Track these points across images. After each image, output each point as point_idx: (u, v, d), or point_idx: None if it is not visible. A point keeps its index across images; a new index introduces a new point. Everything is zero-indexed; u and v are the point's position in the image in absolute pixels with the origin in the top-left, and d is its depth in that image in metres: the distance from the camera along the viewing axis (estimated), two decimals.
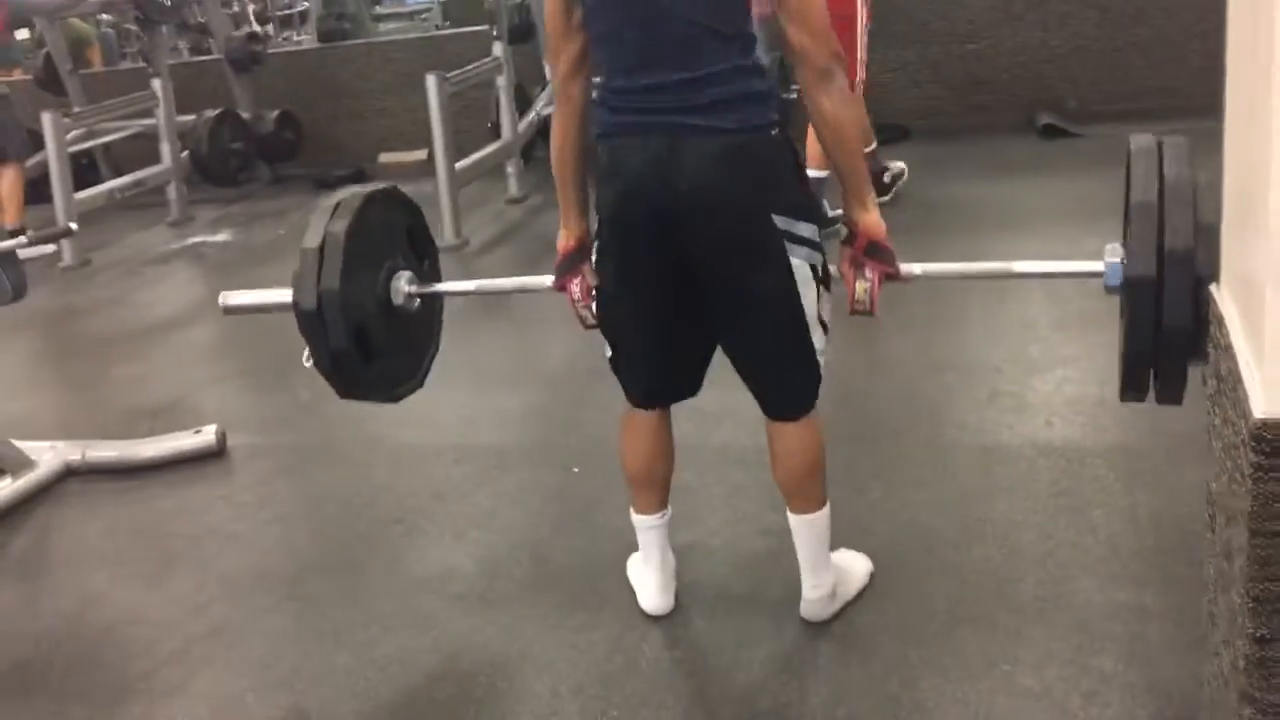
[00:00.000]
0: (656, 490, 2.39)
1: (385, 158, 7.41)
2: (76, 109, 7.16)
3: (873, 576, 2.46)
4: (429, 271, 2.60)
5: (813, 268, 2.10)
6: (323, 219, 2.39)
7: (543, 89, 6.54)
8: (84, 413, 4.09)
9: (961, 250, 4.53)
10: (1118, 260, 1.91)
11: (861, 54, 4.67)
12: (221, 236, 6.69)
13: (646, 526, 2.41)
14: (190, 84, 7.81)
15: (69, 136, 7.18)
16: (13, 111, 6.40)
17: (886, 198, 5.24)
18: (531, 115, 6.43)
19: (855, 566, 2.47)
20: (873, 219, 2.13)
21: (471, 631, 2.49)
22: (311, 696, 2.33)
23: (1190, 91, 5.61)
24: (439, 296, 2.60)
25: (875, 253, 2.13)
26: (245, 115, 7.53)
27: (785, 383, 2.21)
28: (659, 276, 2.13)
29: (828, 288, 2.16)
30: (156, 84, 6.87)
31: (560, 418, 3.55)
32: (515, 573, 2.70)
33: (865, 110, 4.66)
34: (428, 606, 2.60)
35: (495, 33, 6.40)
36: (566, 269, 2.29)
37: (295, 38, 11.09)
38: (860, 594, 2.42)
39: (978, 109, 6.50)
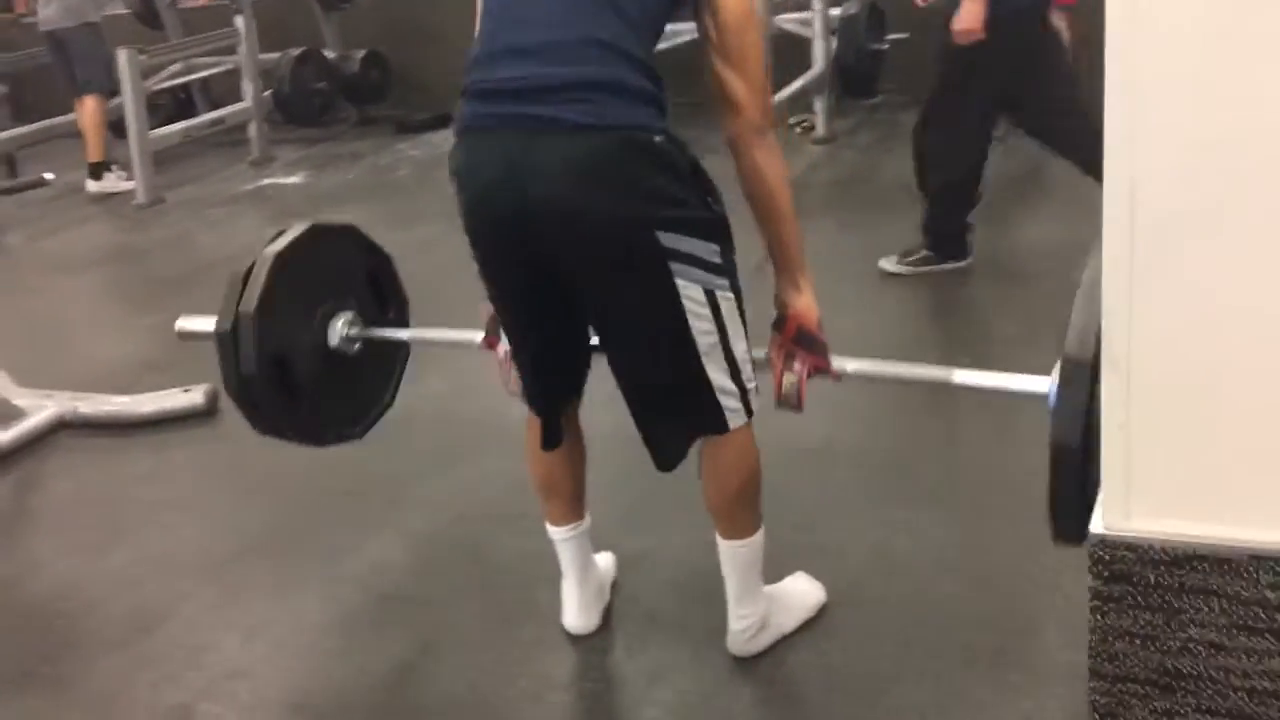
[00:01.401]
0: (563, 500, 2.16)
1: None
2: (163, 45, 7.18)
3: (823, 609, 2.20)
4: (393, 322, 2.43)
5: (709, 294, 1.79)
6: (262, 245, 2.26)
7: None
8: (97, 361, 4.05)
9: (1049, 232, 4.23)
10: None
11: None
12: (295, 179, 6.65)
13: (558, 539, 2.19)
14: (281, 21, 7.78)
15: (167, 71, 7.27)
16: (100, 43, 6.45)
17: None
18: None
19: (800, 597, 2.20)
20: (804, 302, 1.88)
21: (381, 638, 2.31)
22: (204, 696, 2.20)
23: None
24: (395, 346, 2.44)
25: (805, 342, 1.88)
26: (331, 55, 7.45)
27: (661, 420, 1.91)
28: (524, 292, 1.88)
29: (740, 315, 1.85)
30: (239, 21, 6.82)
31: None
32: (448, 573, 2.52)
33: None
34: (349, 604, 2.44)
35: None
36: (494, 327, 2.08)
37: None
38: (801, 627, 2.16)
39: None
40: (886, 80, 6.22)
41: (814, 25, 5.65)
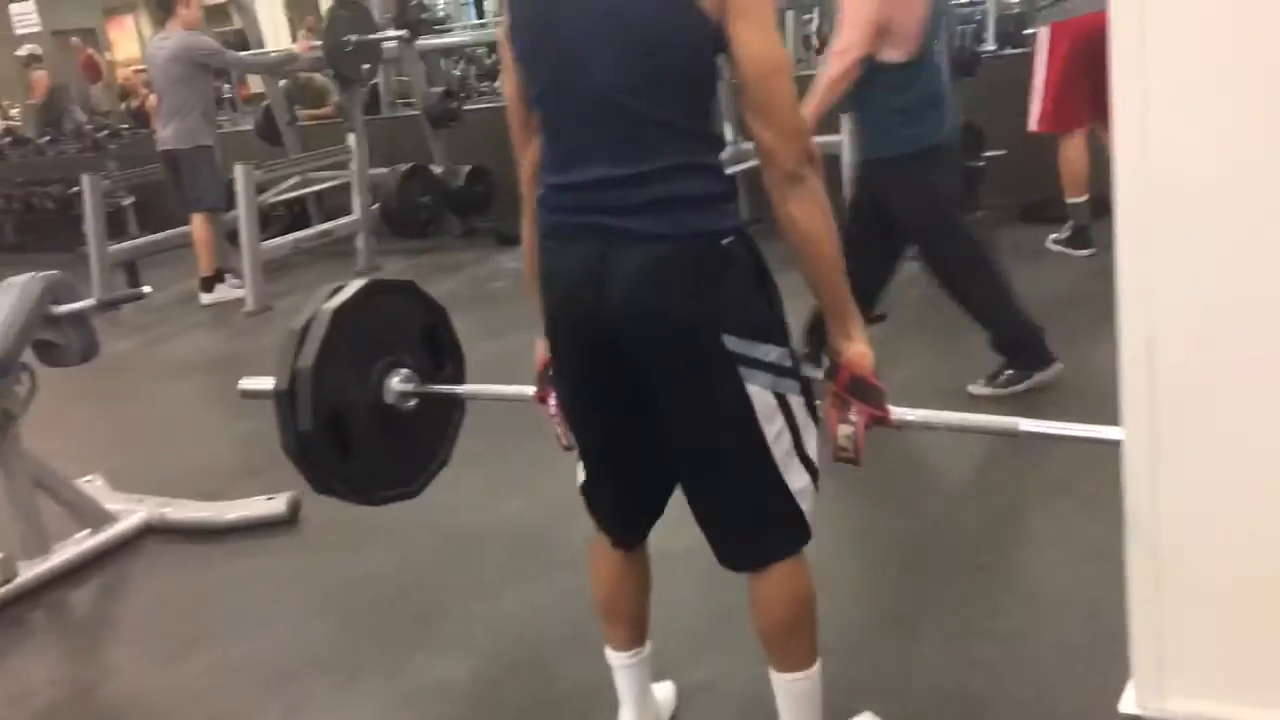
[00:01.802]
0: (624, 625, 2.11)
1: None
2: (280, 160, 7.51)
3: None
4: (448, 378, 2.44)
5: (779, 396, 1.78)
6: (317, 300, 2.30)
7: None
8: (190, 466, 4.16)
9: None
10: None
11: (1035, 100, 5.08)
12: None
13: (616, 665, 2.14)
14: (393, 137, 8.08)
15: (284, 185, 7.60)
16: (213, 164, 6.76)
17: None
18: None
19: None
20: (857, 350, 1.82)
21: None
22: None
23: None
24: (450, 403, 2.44)
25: (860, 391, 1.81)
26: (438, 169, 7.69)
27: (735, 528, 1.88)
28: (603, 396, 1.88)
29: (813, 419, 1.85)
30: (351, 138, 7.11)
31: None
32: (508, 695, 2.48)
33: None
34: None
35: None
36: (546, 381, 2.06)
37: (499, 91, 11.32)
38: None
39: None
40: (986, 195, 6.17)
41: None
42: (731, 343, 1.73)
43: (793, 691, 1.96)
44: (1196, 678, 0.80)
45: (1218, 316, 0.76)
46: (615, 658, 2.13)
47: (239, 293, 6.68)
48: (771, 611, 1.92)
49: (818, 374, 1.86)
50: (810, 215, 1.73)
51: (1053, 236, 5.54)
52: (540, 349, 2.04)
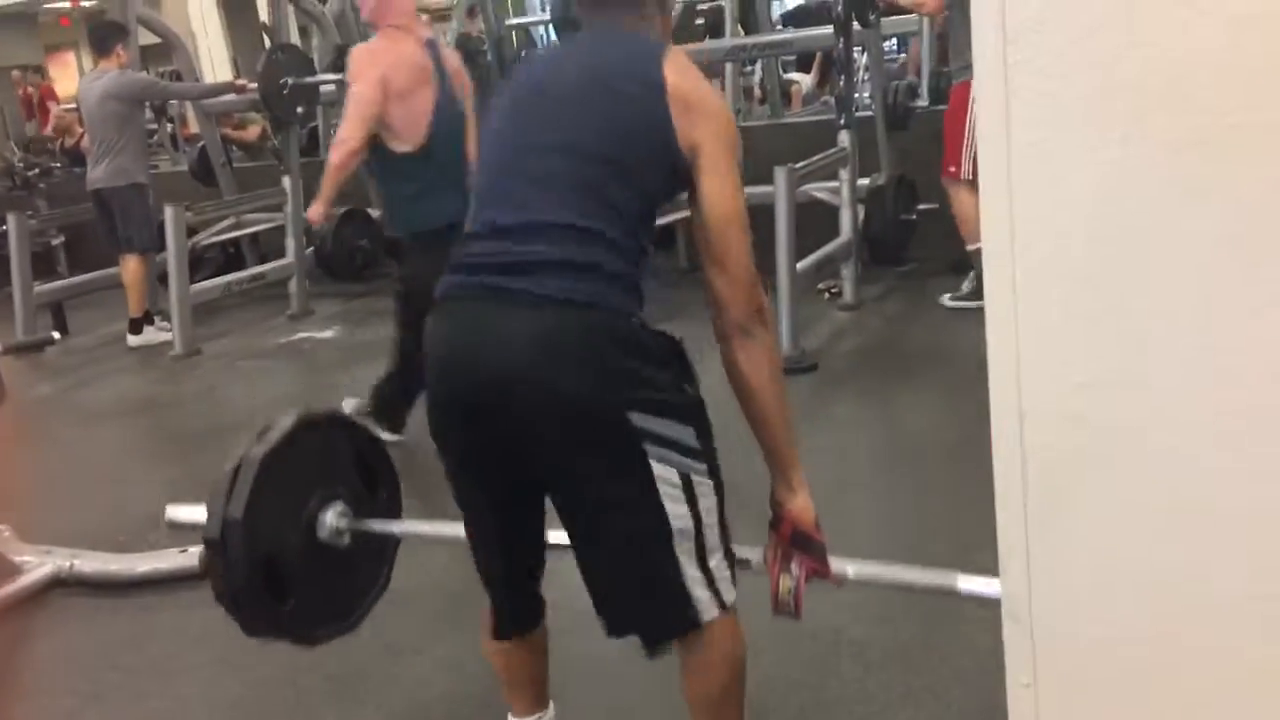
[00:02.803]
0: (523, 690, 2.06)
1: None
2: (212, 202, 7.42)
3: None
4: (385, 504, 2.36)
5: (684, 477, 1.72)
6: (247, 442, 2.20)
7: None
8: (107, 516, 4.04)
9: None
10: None
11: (969, 151, 5.16)
12: (330, 333, 6.73)
13: None
14: None
15: (217, 227, 7.50)
16: (146, 204, 6.65)
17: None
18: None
19: None
20: (799, 504, 1.81)
21: None
22: None
23: None
24: (384, 535, 2.36)
25: (802, 544, 1.81)
26: (374, 213, 7.64)
27: (627, 610, 1.82)
28: (482, 471, 1.82)
29: (718, 503, 1.78)
30: (286, 181, 7.04)
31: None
32: None
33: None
34: None
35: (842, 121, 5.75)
36: None
37: None
38: None
39: None
40: (915, 249, 6.25)
41: (843, 194, 5.70)
42: (638, 419, 1.67)
43: None
44: None
45: (1085, 394, 0.75)
46: None
47: (167, 335, 6.55)
48: (696, 679, 1.87)
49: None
50: (756, 368, 1.74)
51: (947, 296, 5.57)
52: None
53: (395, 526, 2.34)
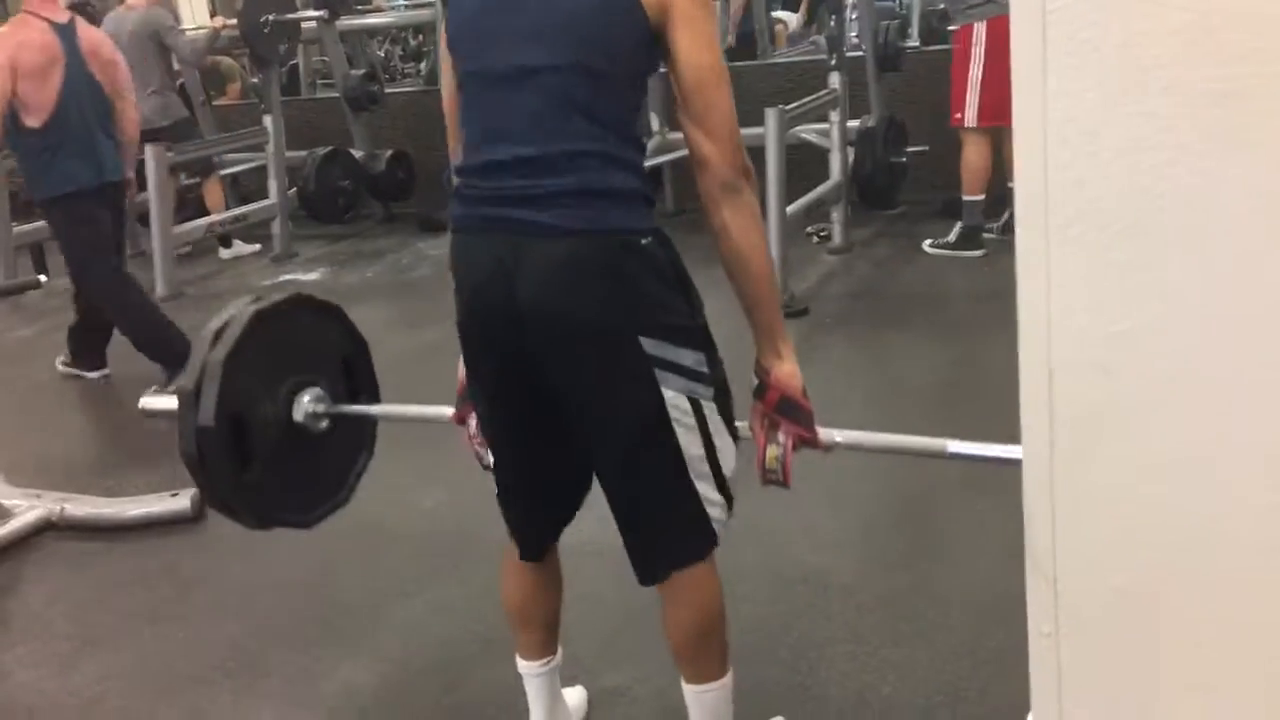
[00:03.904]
0: (535, 633, 2.06)
1: None
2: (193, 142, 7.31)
3: None
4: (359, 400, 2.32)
5: (694, 402, 1.73)
6: (239, 303, 2.20)
7: None
8: (94, 459, 4.03)
9: None
10: None
11: (972, 96, 5.20)
12: (314, 275, 6.68)
13: (527, 674, 2.09)
14: (311, 121, 7.92)
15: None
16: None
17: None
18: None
19: None
20: (786, 370, 1.78)
21: None
22: None
23: None
24: (359, 442, 2.32)
25: (788, 410, 1.78)
26: (358, 153, 7.55)
27: (646, 534, 1.84)
28: (516, 400, 1.82)
29: (729, 429, 1.80)
30: (268, 120, 6.94)
31: None
32: (416, 701, 2.43)
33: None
34: None
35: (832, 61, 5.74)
36: (465, 400, 2.00)
37: (422, 74, 11.12)
38: None
39: None
40: (906, 192, 6.22)
41: (833, 136, 5.65)
42: (649, 345, 1.68)
43: (704, 703, 1.93)
44: (1096, 711, 0.78)
45: (1116, 344, 0.75)
46: (526, 667, 2.08)
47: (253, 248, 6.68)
48: (681, 623, 1.88)
49: None
50: (744, 227, 1.70)
51: (929, 242, 5.58)
52: (461, 368, 1.97)
53: (372, 409, 2.30)
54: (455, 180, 1.80)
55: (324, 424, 2.21)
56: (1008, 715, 2.17)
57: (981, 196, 5.34)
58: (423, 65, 11.65)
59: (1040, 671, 0.81)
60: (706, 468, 1.77)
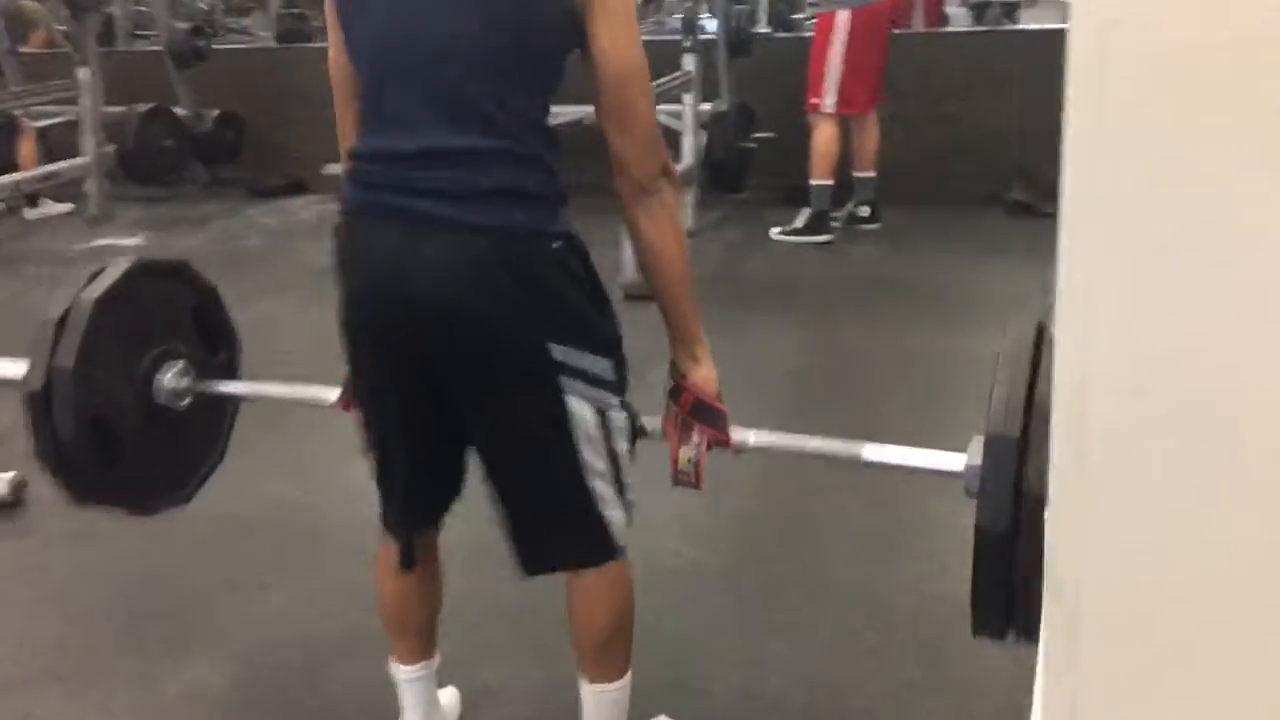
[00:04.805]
0: (413, 637, 1.94)
1: (331, 169, 6.97)
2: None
3: None
4: (223, 366, 2.19)
5: (600, 413, 1.67)
6: (74, 285, 1.99)
7: None
8: None
9: (900, 339, 4.22)
10: (978, 464, 1.50)
11: (832, 83, 5.25)
12: (135, 240, 6.26)
13: (403, 679, 1.97)
14: (131, 75, 7.41)
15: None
16: None
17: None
18: None
19: None
20: (703, 373, 1.75)
21: None
22: None
23: None
24: (222, 398, 2.17)
25: (703, 414, 1.75)
26: (182, 112, 7.12)
27: (534, 532, 1.77)
28: (404, 396, 1.71)
29: (631, 436, 1.74)
30: (83, 73, 6.45)
31: None
32: (272, 703, 2.27)
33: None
34: None
35: None
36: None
37: (250, 30, 10.61)
38: None
39: (943, 177, 6.07)
40: (753, 176, 6.26)
41: (684, 119, 5.62)
42: (558, 352, 1.61)
43: (602, 702, 1.87)
44: None
45: (1152, 368, 0.71)
46: (401, 671, 1.97)
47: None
48: (590, 620, 1.82)
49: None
50: (660, 230, 1.65)
51: (777, 229, 5.63)
52: None
53: (243, 387, 2.17)
54: (347, 164, 1.68)
55: (186, 401, 2.06)
56: (885, 708, 2.19)
57: (831, 182, 5.41)
58: (248, 21, 11.10)
59: (1052, 703, 0.77)
60: (607, 476, 1.72)
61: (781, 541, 2.82)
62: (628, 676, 1.88)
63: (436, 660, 1.99)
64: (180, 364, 2.06)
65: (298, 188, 7.15)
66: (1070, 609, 0.74)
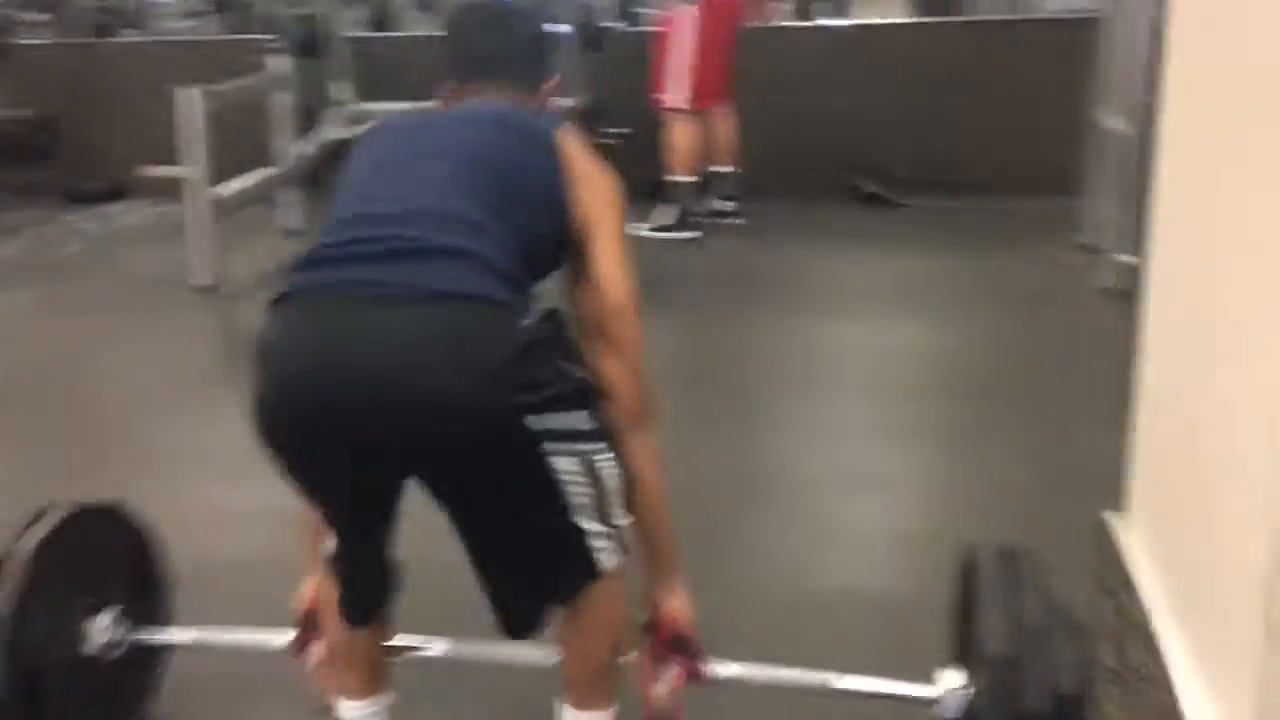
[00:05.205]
0: (364, 667, 1.80)
1: (146, 172, 6.55)
2: None
3: None
4: (154, 609, 2.05)
5: (586, 463, 1.59)
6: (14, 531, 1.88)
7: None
8: None
9: (774, 330, 4.17)
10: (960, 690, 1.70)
11: (683, 80, 5.21)
12: None
13: (354, 717, 1.81)
14: None
15: None
16: None
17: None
18: (315, 139, 5.74)
19: None
20: (678, 605, 1.79)
21: None
22: None
23: (1019, 169, 5.47)
24: (149, 648, 2.02)
25: (680, 647, 1.78)
26: None
27: (522, 581, 1.68)
28: (350, 491, 1.62)
29: (617, 470, 1.65)
30: None
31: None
32: None
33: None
34: None
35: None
36: (310, 624, 1.82)
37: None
38: None
39: (798, 170, 6.07)
40: (616, 173, 6.12)
41: None
42: (535, 421, 1.52)
43: None
44: None
45: None
46: (352, 709, 1.81)
47: None
48: (585, 642, 1.74)
49: None
50: (644, 461, 1.70)
51: (647, 226, 5.52)
52: (306, 587, 1.81)
53: (183, 635, 2.05)
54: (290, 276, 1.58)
55: (120, 651, 1.94)
56: None
57: (693, 178, 5.35)
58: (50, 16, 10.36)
59: None
60: (594, 513, 1.64)
61: None
62: (612, 710, 1.79)
63: (390, 698, 1.84)
64: (112, 613, 1.94)
65: (118, 192, 6.72)
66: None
